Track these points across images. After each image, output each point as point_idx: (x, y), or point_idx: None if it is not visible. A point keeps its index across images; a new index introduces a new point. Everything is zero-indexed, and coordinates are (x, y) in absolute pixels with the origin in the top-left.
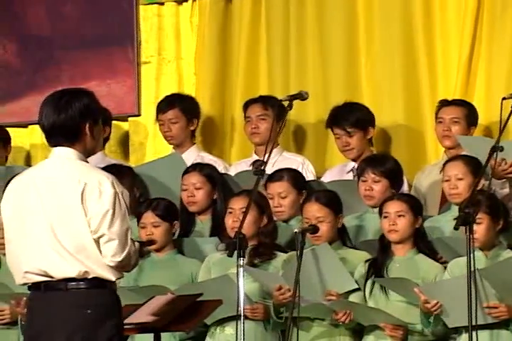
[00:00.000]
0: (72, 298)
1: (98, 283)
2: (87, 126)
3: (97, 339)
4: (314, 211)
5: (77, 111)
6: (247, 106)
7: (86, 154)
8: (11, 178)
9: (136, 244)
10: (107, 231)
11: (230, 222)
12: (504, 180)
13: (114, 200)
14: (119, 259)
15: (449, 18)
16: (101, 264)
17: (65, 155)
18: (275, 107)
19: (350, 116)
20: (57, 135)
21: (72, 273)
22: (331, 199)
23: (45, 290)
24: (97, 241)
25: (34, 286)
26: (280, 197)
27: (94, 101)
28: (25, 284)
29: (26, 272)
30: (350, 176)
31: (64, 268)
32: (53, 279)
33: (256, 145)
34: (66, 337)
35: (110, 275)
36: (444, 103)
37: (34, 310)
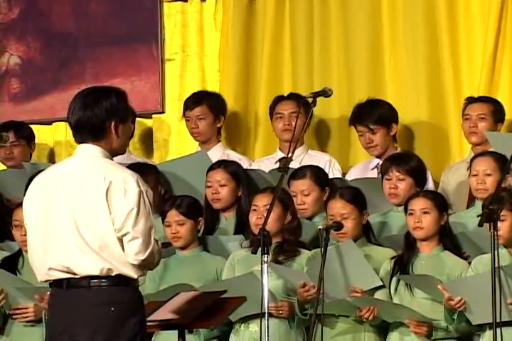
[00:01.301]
0: (95, 295)
1: (120, 280)
2: (113, 124)
3: (120, 336)
4: (339, 208)
5: (102, 109)
6: (277, 102)
7: (112, 152)
8: (35, 175)
9: (159, 242)
10: (131, 229)
11: (254, 219)
12: None
13: (139, 199)
14: (143, 258)
15: (473, 15)
16: (123, 262)
17: (90, 152)
18: (307, 105)
19: (373, 113)
20: (82, 131)
21: (95, 270)
22: (356, 196)
23: (68, 287)
24: (120, 239)
25: (56, 283)
26: (303, 194)
27: (123, 100)
28: (47, 281)
29: (50, 269)
30: (374, 173)
31: (87, 266)
32: (76, 276)
33: (285, 142)
34: (89, 335)
35: (132, 273)
36: (471, 100)
37: (56, 307)
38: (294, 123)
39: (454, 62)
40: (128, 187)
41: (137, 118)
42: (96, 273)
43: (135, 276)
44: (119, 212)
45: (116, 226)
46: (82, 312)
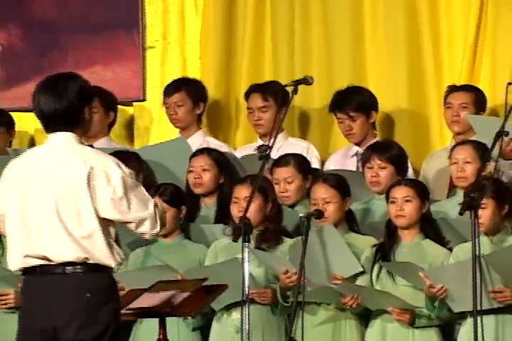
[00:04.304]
0: (70, 282)
1: (95, 267)
2: (86, 109)
3: (96, 323)
4: (322, 192)
5: (77, 96)
6: (248, 95)
7: (83, 137)
8: None
9: (159, 205)
10: (133, 216)
11: (236, 212)
12: None
13: (124, 183)
14: (157, 230)
15: (454, 3)
16: (103, 251)
17: (65, 139)
18: (278, 94)
19: (353, 101)
20: (58, 121)
21: (72, 257)
22: (339, 182)
23: (42, 273)
24: (106, 227)
25: (30, 270)
26: (286, 182)
27: (88, 83)
28: (21, 269)
29: (26, 256)
30: (353, 160)
31: (64, 253)
32: (51, 263)
33: (260, 135)
34: (65, 321)
35: (111, 262)
36: (453, 88)
37: (30, 294)
38: (263, 117)
39: (434, 50)
40: (110, 171)
41: (118, 106)
42: (72, 260)
43: (113, 265)
44: (109, 200)
45: (112, 216)
46: (57, 298)
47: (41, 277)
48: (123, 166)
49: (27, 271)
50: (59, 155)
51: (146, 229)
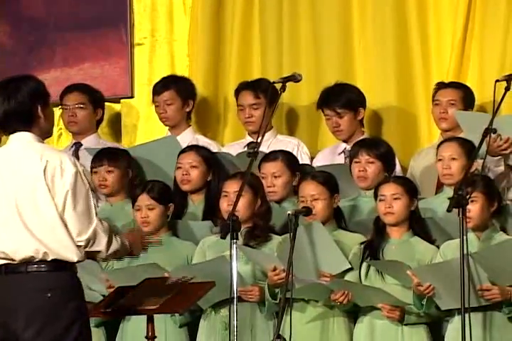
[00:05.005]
0: (33, 281)
1: (58, 265)
2: (39, 108)
3: (58, 322)
4: (310, 189)
5: (26, 96)
6: (238, 92)
7: (42, 136)
8: None
9: (104, 222)
10: (72, 211)
11: (225, 206)
12: (499, 157)
13: (76, 179)
14: (86, 237)
15: (443, 0)
16: (65, 245)
17: (24, 138)
18: (267, 91)
19: (341, 97)
20: (12, 122)
21: (30, 252)
22: (327, 179)
23: (6, 273)
24: (64, 221)
25: None
26: (274, 176)
27: (41, 83)
28: None
29: None
30: (341, 157)
31: (22, 248)
32: (14, 262)
33: (251, 132)
34: (26, 321)
35: (73, 256)
36: (441, 85)
37: None
38: (255, 114)
39: (423, 47)
40: (64, 166)
41: (106, 103)
42: (31, 254)
43: (75, 259)
44: (59, 194)
45: (59, 209)
46: (19, 298)
47: (5, 276)
48: (78, 164)
49: None
50: (18, 153)
51: (75, 229)
